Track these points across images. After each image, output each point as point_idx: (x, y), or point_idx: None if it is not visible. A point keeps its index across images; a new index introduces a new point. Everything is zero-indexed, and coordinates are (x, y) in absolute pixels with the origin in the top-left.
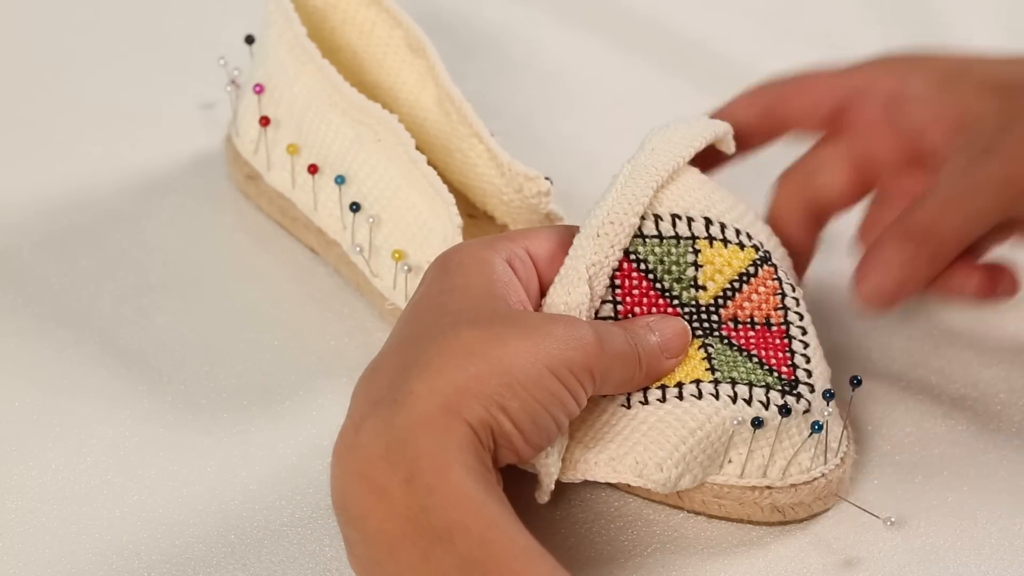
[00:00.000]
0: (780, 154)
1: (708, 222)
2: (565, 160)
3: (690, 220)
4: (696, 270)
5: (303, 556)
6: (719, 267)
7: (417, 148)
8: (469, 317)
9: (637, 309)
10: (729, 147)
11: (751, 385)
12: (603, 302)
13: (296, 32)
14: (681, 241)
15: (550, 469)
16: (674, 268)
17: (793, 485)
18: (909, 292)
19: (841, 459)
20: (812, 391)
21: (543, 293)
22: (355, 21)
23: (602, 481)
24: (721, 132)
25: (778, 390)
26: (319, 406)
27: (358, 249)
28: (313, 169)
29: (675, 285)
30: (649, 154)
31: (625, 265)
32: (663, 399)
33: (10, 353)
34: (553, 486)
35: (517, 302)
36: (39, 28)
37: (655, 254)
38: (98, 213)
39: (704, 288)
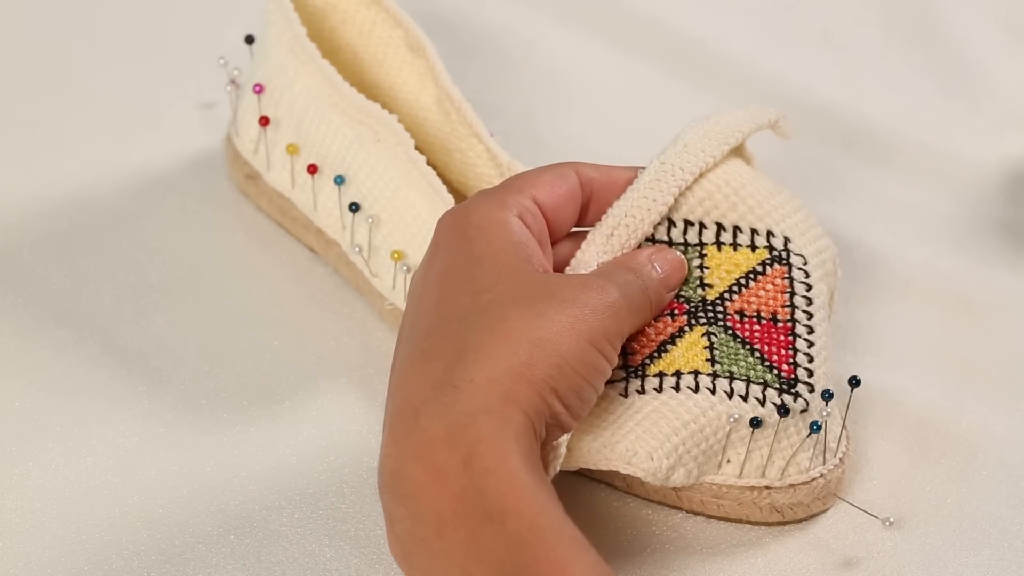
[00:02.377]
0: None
1: (720, 228)
2: (565, 160)
3: (702, 227)
4: (703, 271)
5: (303, 556)
6: (727, 268)
7: (417, 148)
8: (509, 294)
9: None
10: (785, 134)
11: (749, 381)
12: None
13: (296, 32)
14: (689, 247)
15: (558, 451)
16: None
17: (792, 485)
18: None
19: (840, 459)
20: (811, 391)
21: (553, 239)
22: (355, 21)
23: (594, 468)
24: (765, 122)
25: (776, 388)
26: (319, 406)
27: (357, 249)
28: (313, 169)
29: (682, 286)
30: (680, 151)
31: None
32: (660, 389)
33: (10, 353)
34: (556, 471)
35: (538, 263)
36: (39, 28)
37: None
38: (98, 213)
39: (711, 286)
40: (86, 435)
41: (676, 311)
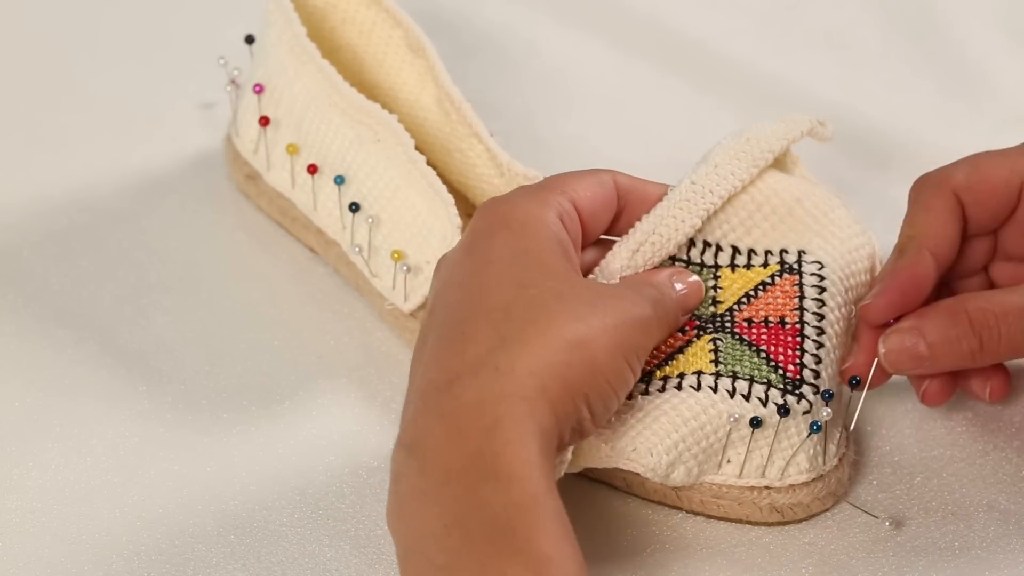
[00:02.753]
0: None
1: (735, 252)
2: (565, 160)
3: (719, 249)
4: (715, 291)
5: (303, 556)
6: (739, 285)
7: (417, 148)
8: (553, 292)
9: None
10: (825, 137)
11: (752, 381)
12: None
13: (296, 32)
14: (705, 268)
15: (564, 456)
16: None
17: (792, 486)
18: (926, 370)
19: (840, 460)
20: (816, 392)
21: (584, 244)
22: (355, 21)
23: (595, 466)
24: (798, 134)
25: (779, 388)
26: (319, 406)
27: (357, 249)
28: (313, 169)
29: None
30: (710, 172)
31: None
32: (663, 389)
33: (10, 353)
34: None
35: (575, 265)
36: (39, 28)
37: None
38: (98, 213)
39: (721, 303)
40: (86, 435)
41: (687, 327)
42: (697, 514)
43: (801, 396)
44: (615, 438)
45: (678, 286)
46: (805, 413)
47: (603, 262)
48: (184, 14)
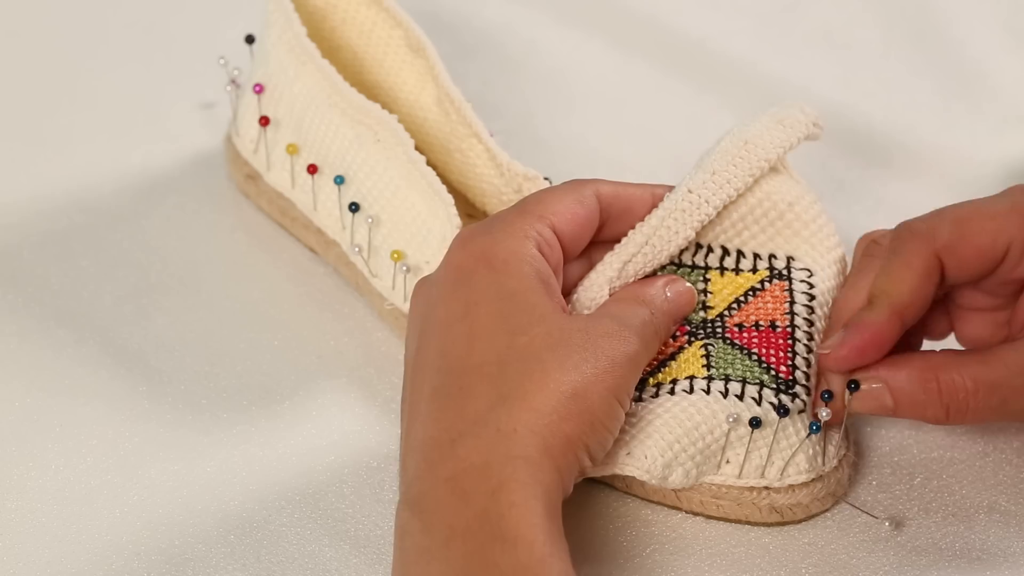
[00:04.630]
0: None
1: (725, 252)
2: (565, 160)
3: (709, 250)
4: (705, 295)
5: (303, 556)
6: (728, 291)
7: (417, 148)
8: (544, 340)
9: None
10: (815, 137)
11: (745, 382)
12: None
13: (296, 32)
14: (695, 270)
15: None
16: None
17: (791, 486)
18: (872, 355)
19: (839, 461)
20: (809, 393)
21: (567, 260)
22: (355, 21)
23: (593, 475)
24: (795, 140)
25: (772, 388)
26: (319, 406)
27: (357, 249)
28: (312, 169)
29: None
30: (708, 180)
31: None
32: (656, 395)
33: (10, 353)
34: None
35: (559, 299)
36: (39, 28)
37: None
38: (98, 213)
39: (712, 307)
40: (86, 435)
41: (678, 332)
42: (696, 514)
43: (795, 396)
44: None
45: (669, 293)
46: (801, 412)
47: (592, 273)
48: (184, 14)
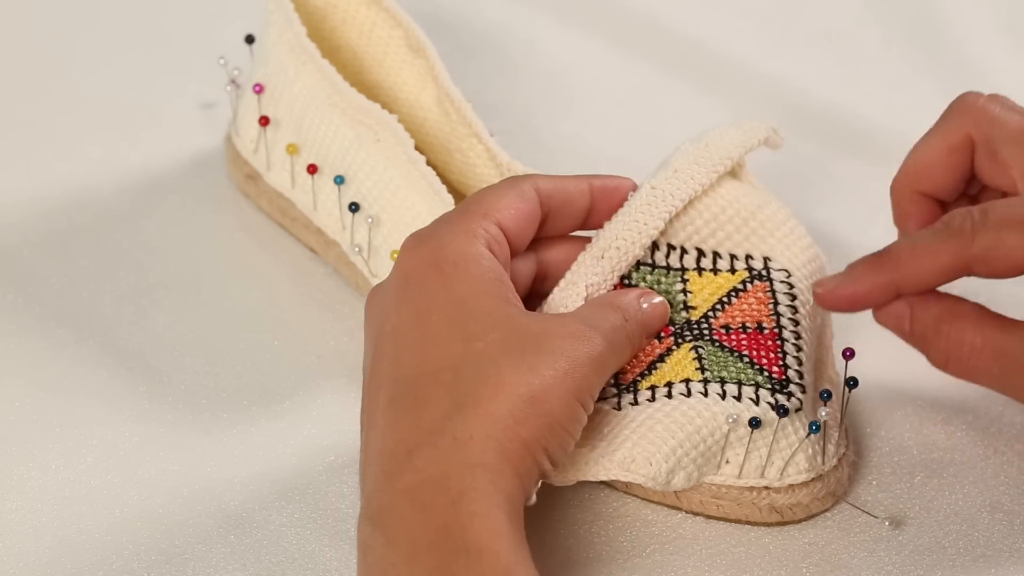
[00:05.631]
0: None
1: (700, 255)
2: (565, 160)
3: (683, 252)
4: (685, 295)
5: (303, 556)
6: (709, 291)
7: (417, 148)
8: (500, 343)
9: None
10: (777, 145)
11: (740, 384)
12: None
13: (296, 32)
14: (671, 272)
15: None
16: (664, 295)
17: (791, 486)
18: (859, 308)
19: (839, 460)
20: (803, 392)
21: (513, 256)
22: (355, 21)
23: (593, 479)
24: (755, 143)
25: (768, 389)
26: (319, 406)
27: (357, 249)
28: (312, 169)
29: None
30: (670, 177)
31: (618, 288)
32: (652, 399)
33: (10, 353)
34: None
35: (513, 298)
36: (39, 28)
37: (646, 282)
38: (98, 213)
39: (694, 308)
40: (86, 435)
41: (663, 333)
42: (697, 515)
43: (790, 395)
44: (610, 451)
45: (644, 305)
46: (798, 411)
47: (568, 273)
48: (184, 14)
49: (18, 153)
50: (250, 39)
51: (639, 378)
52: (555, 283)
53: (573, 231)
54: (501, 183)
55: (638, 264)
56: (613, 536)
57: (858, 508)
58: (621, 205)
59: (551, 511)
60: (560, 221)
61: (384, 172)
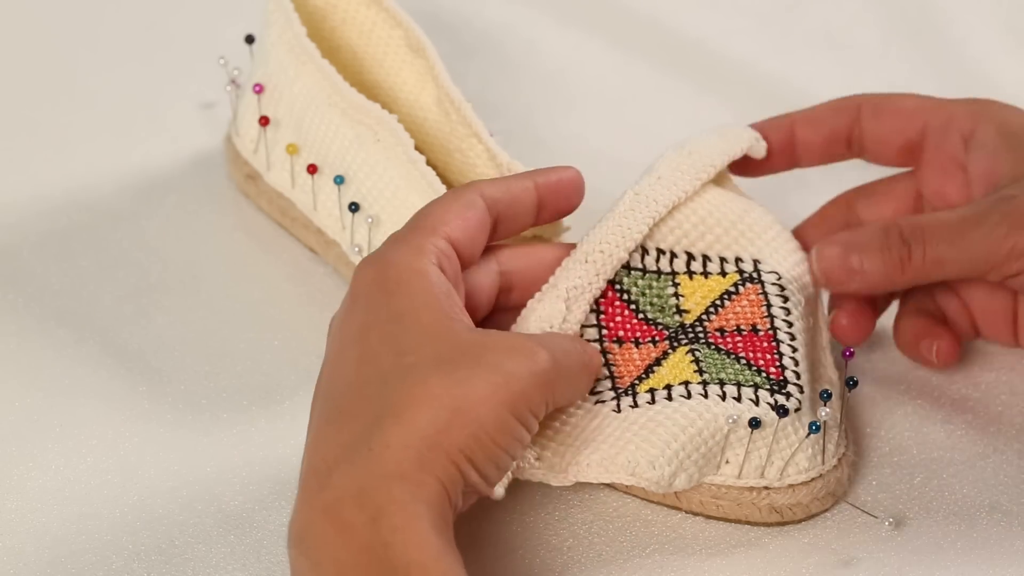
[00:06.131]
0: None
1: (690, 258)
2: (565, 160)
3: (673, 256)
4: (678, 299)
5: None
6: (701, 294)
7: (417, 148)
8: (432, 357)
9: (621, 333)
10: (758, 153)
11: (739, 385)
12: (587, 326)
13: (296, 32)
14: (662, 276)
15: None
16: (656, 299)
17: (791, 486)
18: (862, 284)
19: (839, 460)
20: (802, 392)
21: (464, 268)
22: (355, 21)
23: (595, 482)
24: (738, 151)
25: (767, 389)
26: None
27: (357, 249)
28: (312, 169)
29: (659, 314)
30: (654, 183)
31: (609, 293)
32: (652, 401)
33: (10, 353)
34: (507, 483)
35: (460, 313)
36: (39, 28)
37: (637, 286)
38: (98, 213)
39: (687, 311)
40: (86, 435)
41: (657, 338)
42: (697, 515)
43: (789, 395)
44: (613, 454)
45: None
46: (797, 410)
47: (552, 278)
48: (184, 14)
49: (18, 153)
50: (250, 39)
51: (636, 381)
52: (521, 294)
53: (525, 230)
54: (446, 195)
55: (629, 269)
56: (613, 536)
57: (858, 508)
58: (570, 197)
59: (551, 511)
60: (511, 223)
61: (384, 172)
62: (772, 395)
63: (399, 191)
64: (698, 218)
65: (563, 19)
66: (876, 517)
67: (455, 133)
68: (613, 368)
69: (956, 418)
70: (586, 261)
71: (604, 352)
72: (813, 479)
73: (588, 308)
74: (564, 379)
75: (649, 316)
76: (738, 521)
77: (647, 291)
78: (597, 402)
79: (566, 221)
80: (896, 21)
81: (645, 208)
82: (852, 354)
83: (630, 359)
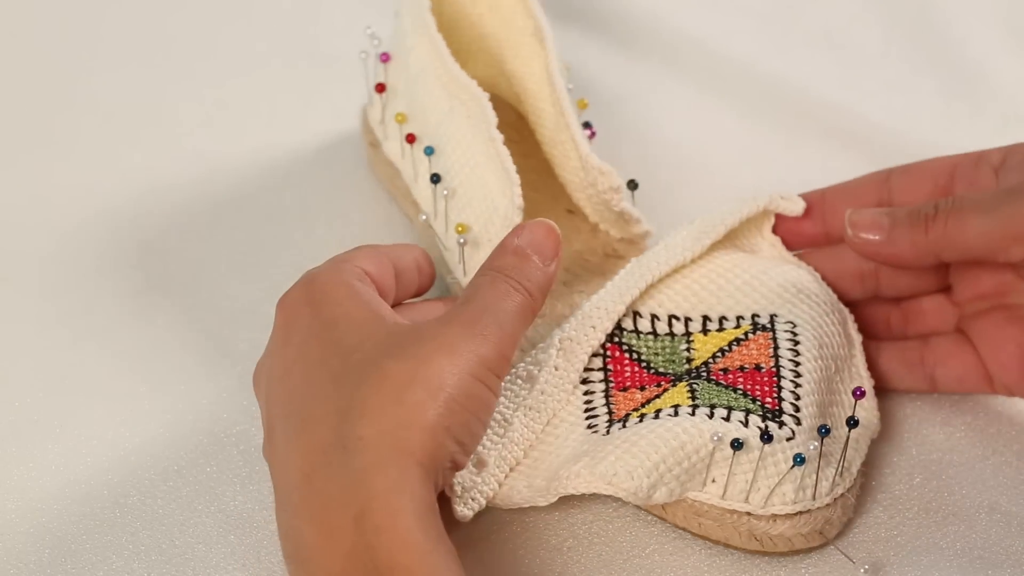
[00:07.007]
0: None
1: (706, 320)
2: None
3: (688, 320)
4: (689, 352)
5: None
6: (713, 344)
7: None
8: (377, 348)
9: (629, 384)
10: (790, 210)
11: (731, 409)
12: (591, 374)
13: (420, 3)
14: (676, 337)
15: (482, 487)
16: (669, 356)
17: (774, 516)
18: (885, 240)
19: (834, 500)
20: (799, 424)
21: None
22: (500, 9)
23: (575, 492)
24: (754, 208)
25: (759, 415)
26: None
27: (424, 218)
28: (411, 139)
29: (668, 365)
30: (659, 250)
31: (617, 353)
32: (640, 421)
33: (10, 353)
34: (482, 505)
35: (389, 313)
36: (39, 28)
37: (649, 347)
38: (99, 213)
39: (695, 360)
40: (86, 435)
41: (662, 382)
42: (681, 529)
43: (782, 424)
44: (593, 464)
45: (516, 242)
46: (789, 440)
47: (550, 336)
48: (184, 14)
49: (18, 153)
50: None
51: (631, 412)
52: None
53: (418, 294)
54: (360, 247)
55: (639, 333)
56: (613, 536)
57: (840, 551)
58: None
59: (551, 511)
60: (406, 282)
61: (468, 147)
62: (763, 421)
63: (477, 167)
64: (716, 286)
65: (563, 19)
66: (852, 561)
67: (558, 125)
68: (613, 407)
69: (955, 419)
70: (581, 317)
71: (608, 398)
72: (799, 512)
73: (586, 359)
74: (513, 327)
75: (660, 370)
76: (718, 543)
77: (660, 351)
78: (590, 427)
79: (646, 225)
80: (896, 21)
81: (646, 270)
82: (863, 394)
83: (631, 399)
